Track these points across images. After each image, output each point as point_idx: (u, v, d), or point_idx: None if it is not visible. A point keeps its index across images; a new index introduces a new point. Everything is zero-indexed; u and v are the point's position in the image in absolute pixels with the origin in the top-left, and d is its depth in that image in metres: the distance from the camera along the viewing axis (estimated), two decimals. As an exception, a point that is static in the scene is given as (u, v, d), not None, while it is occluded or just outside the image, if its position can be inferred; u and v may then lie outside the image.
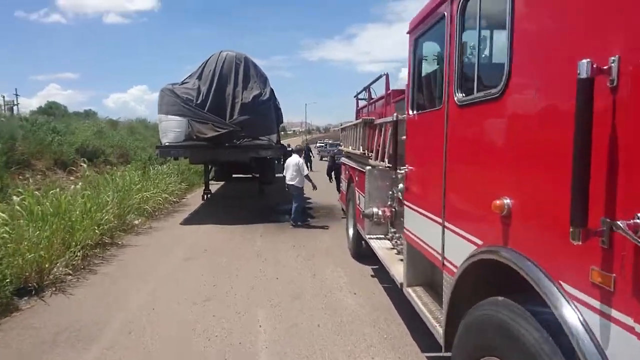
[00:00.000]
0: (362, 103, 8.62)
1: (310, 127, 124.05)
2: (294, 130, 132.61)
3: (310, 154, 26.43)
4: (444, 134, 2.81)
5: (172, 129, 9.96)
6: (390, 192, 4.95)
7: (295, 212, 9.72)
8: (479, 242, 2.35)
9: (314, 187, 10.12)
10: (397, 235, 4.96)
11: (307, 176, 9.65)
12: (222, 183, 16.49)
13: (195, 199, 13.89)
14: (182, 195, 14.18)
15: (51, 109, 34.39)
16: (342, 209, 9.48)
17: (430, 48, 3.46)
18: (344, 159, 8.42)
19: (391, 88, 5.78)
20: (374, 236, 5.55)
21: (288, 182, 9.63)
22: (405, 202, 3.81)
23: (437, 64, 3.32)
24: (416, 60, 3.63)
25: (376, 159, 5.50)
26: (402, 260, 4.34)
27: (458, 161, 2.69)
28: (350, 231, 7.18)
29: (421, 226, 3.37)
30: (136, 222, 9.94)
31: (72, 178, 12.33)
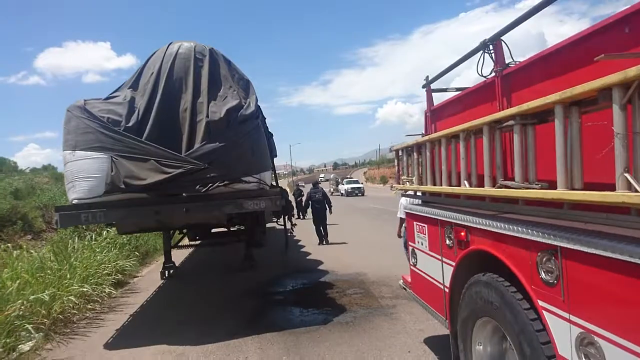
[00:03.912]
0: (433, 97, 4.45)
1: (294, 169, 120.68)
2: (278, 173, 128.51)
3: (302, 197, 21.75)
4: None
5: (83, 174, 5.54)
6: None
7: None
8: None
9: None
10: None
11: None
12: (190, 245, 11.61)
13: (150, 279, 9.25)
14: (131, 273, 9.51)
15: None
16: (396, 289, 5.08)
17: None
18: (415, 208, 4.09)
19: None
20: None
21: None
22: None
23: None
24: None
25: None
26: None
27: None
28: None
29: None
30: (25, 348, 5.37)
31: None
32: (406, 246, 8.52)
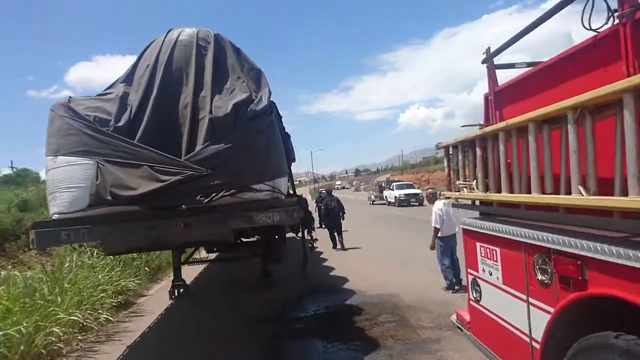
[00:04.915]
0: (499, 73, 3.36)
1: (316, 176, 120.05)
2: (299, 180, 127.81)
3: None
4: None
5: (65, 184, 4.68)
6: None
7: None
8: None
9: None
10: None
11: None
12: (202, 261, 10.47)
13: (159, 299, 8.37)
14: (138, 292, 8.66)
15: (19, 177, 29.72)
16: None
17: None
18: (479, 224, 2.99)
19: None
20: None
21: (449, 234, 7.23)
22: None
23: None
24: None
25: None
26: None
27: None
28: None
29: None
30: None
31: None
32: (441, 261, 7.47)
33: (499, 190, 2.84)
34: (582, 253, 1.93)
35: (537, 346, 2.38)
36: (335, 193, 15.37)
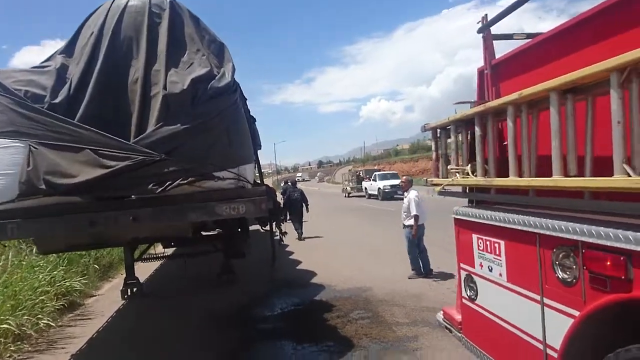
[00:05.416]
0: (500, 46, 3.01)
1: (279, 168, 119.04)
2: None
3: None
4: None
5: (-11, 170, 3.95)
6: None
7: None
8: None
9: None
10: None
11: None
12: (157, 257, 9.57)
13: (110, 299, 7.62)
14: (86, 293, 7.85)
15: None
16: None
17: None
18: (476, 213, 2.62)
19: None
20: None
21: (420, 222, 7.25)
22: None
23: None
24: None
25: None
26: None
27: None
28: None
29: None
30: None
31: None
32: (412, 250, 7.28)
33: (500, 175, 2.48)
34: (629, 247, 1.58)
35: (554, 354, 2.04)
36: (298, 185, 15.51)
